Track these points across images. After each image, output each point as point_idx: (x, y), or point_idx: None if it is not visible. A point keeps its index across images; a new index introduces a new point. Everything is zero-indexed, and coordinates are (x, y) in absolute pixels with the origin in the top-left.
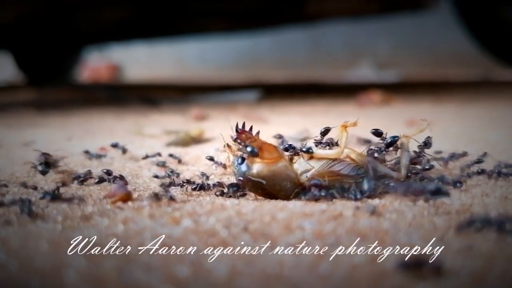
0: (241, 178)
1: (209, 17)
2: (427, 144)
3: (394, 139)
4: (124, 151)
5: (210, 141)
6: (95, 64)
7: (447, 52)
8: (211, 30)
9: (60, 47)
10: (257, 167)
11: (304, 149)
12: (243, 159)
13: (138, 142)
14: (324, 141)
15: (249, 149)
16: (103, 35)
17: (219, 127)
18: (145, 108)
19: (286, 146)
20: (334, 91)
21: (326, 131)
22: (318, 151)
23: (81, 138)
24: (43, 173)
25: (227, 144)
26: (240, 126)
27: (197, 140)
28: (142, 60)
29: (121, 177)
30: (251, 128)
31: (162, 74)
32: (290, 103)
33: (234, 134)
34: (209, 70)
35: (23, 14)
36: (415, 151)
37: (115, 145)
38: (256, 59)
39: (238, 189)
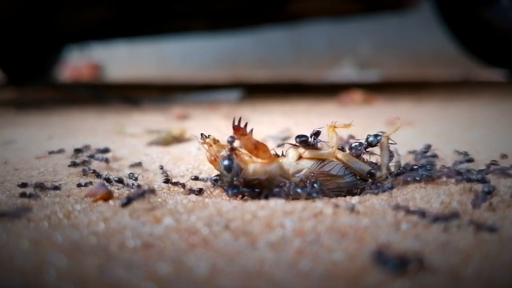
0: (240, 180)
1: (190, 16)
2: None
3: (377, 139)
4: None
5: (192, 140)
6: (76, 63)
7: (428, 52)
8: (192, 29)
9: (41, 46)
10: (253, 167)
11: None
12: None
13: (119, 142)
14: (312, 142)
15: (225, 162)
16: (85, 34)
17: (200, 126)
18: (127, 107)
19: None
20: (316, 90)
21: (317, 133)
22: (311, 151)
23: (62, 138)
24: None
25: (203, 134)
26: (236, 123)
27: (178, 139)
28: (123, 60)
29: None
30: (246, 125)
31: (144, 74)
32: (272, 102)
33: (231, 132)
34: (190, 69)
35: (3, 13)
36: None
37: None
38: (238, 59)
39: (238, 191)
